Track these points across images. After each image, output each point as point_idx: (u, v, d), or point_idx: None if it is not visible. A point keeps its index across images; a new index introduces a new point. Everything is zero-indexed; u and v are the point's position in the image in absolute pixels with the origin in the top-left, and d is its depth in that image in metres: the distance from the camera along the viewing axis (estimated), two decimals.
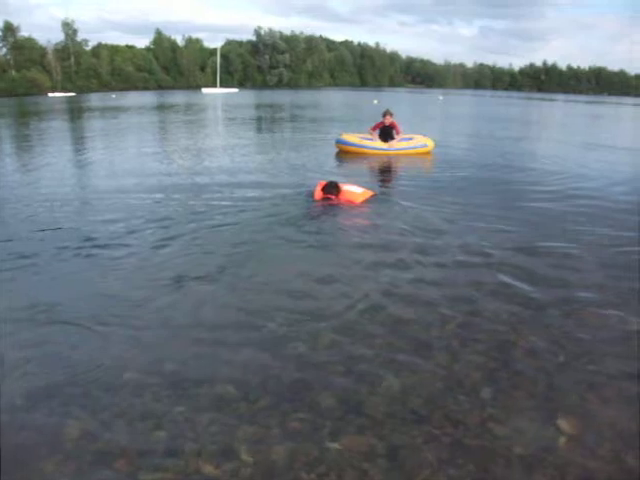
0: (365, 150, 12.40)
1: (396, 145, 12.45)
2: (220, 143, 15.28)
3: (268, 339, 3.61)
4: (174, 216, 6.69)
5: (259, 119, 26.03)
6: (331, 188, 7.49)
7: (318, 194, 7.58)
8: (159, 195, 7.91)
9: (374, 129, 12.74)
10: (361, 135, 12.98)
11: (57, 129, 20.60)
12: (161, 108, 35.78)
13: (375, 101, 42.45)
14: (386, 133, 12.59)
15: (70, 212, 6.99)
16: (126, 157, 12.38)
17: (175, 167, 10.74)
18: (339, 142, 12.82)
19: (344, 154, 12.49)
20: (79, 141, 16.76)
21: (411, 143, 12.75)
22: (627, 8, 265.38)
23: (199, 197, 7.77)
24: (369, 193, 7.81)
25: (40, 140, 16.37)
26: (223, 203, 7.37)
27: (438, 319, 3.94)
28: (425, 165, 11.80)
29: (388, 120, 12.47)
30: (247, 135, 17.49)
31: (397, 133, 12.58)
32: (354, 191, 7.66)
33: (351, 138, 12.74)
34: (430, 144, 13.00)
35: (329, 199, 7.44)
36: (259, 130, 20.40)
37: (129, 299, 4.23)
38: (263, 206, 7.21)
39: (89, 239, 5.69)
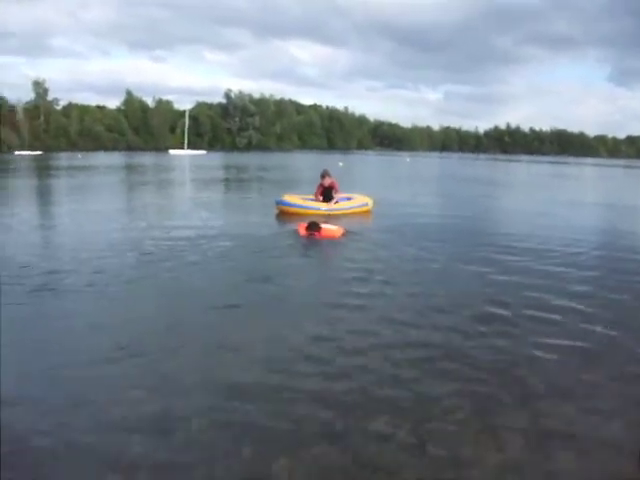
0: (306, 211, 12.38)
1: (337, 205, 12.65)
2: (174, 204, 15.89)
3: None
4: (146, 270, 7.09)
5: (222, 181, 26.42)
6: (314, 226, 9.45)
7: (302, 232, 9.46)
8: (131, 249, 8.41)
9: (317, 194, 12.85)
10: (302, 196, 13.06)
11: (23, 187, 21.03)
12: (127, 168, 36.00)
13: (340, 164, 42.67)
14: (327, 194, 12.76)
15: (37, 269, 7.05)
16: (89, 215, 12.56)
17: (135, 224, 11.10)
18: (279, 203, 12.76)
19: (285, 215, 12.35)
20: (44, 200, 17.30)
21: (351, 203, 13.01)
22: (580, 79, 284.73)
23: (159, 250, 8.35)
24: (343, 229, 9.80)
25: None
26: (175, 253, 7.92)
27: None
28: (367, 221, 12.26)
29: (327, 181, 12.70)
30: (205, 196, 17.95)
31: (335, 192, 12.76)
32: (332, 228, 9.70)
33: (292, 199, 12.75)
34: (370, 203, 13.28)
35: (313, 235, 9.34)
36: (221, 192, 20.84)
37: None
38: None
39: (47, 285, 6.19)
